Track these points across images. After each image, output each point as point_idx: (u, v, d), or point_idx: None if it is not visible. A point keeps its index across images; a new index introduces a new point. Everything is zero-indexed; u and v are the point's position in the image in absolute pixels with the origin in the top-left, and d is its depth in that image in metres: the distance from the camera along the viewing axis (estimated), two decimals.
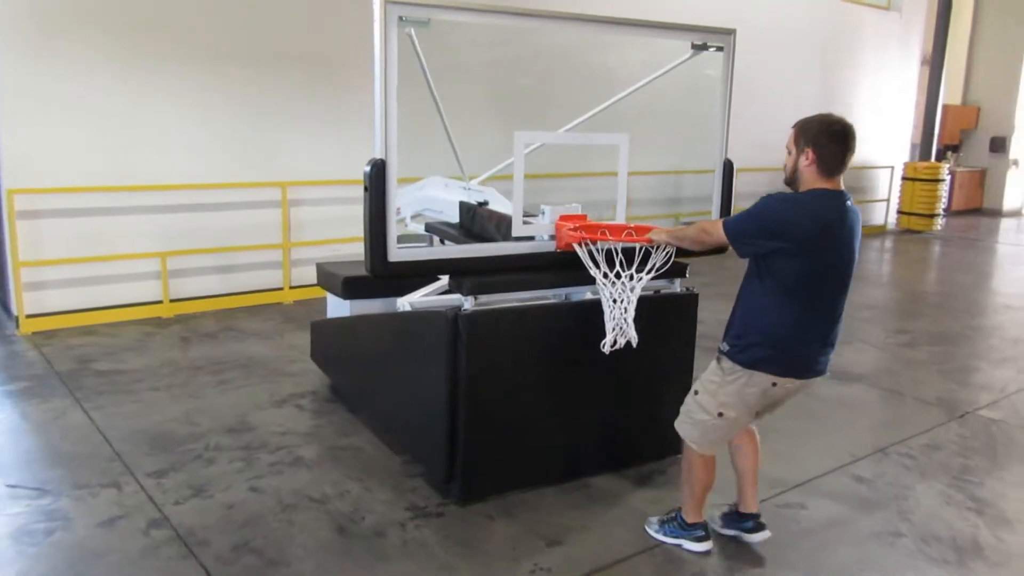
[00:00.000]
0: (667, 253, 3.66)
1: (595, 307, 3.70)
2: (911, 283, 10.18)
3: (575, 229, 3.72)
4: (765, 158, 11.39)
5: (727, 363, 3.25)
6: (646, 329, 3.72)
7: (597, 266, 3.62)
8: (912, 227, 13.95)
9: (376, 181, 3.41)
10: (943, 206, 14.17)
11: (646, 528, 3.62)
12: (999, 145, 17.12)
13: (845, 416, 5.19)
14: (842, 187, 3.13)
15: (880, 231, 14.21)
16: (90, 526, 3.56)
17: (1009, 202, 17.42)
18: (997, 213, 17.23)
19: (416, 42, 4.39)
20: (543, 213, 3.90)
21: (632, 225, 3.75)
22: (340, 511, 3.75)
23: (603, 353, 3.61)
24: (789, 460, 4.36)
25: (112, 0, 6.65)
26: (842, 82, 13.12)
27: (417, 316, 4.18)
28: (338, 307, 5.20)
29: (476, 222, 4.67)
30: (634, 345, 3.62)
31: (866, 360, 6.42)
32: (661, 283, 4.07)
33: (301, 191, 7.79)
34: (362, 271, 4.79)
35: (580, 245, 3.66)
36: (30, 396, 5.14)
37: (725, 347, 3.27)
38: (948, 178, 14.40)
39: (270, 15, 7.46)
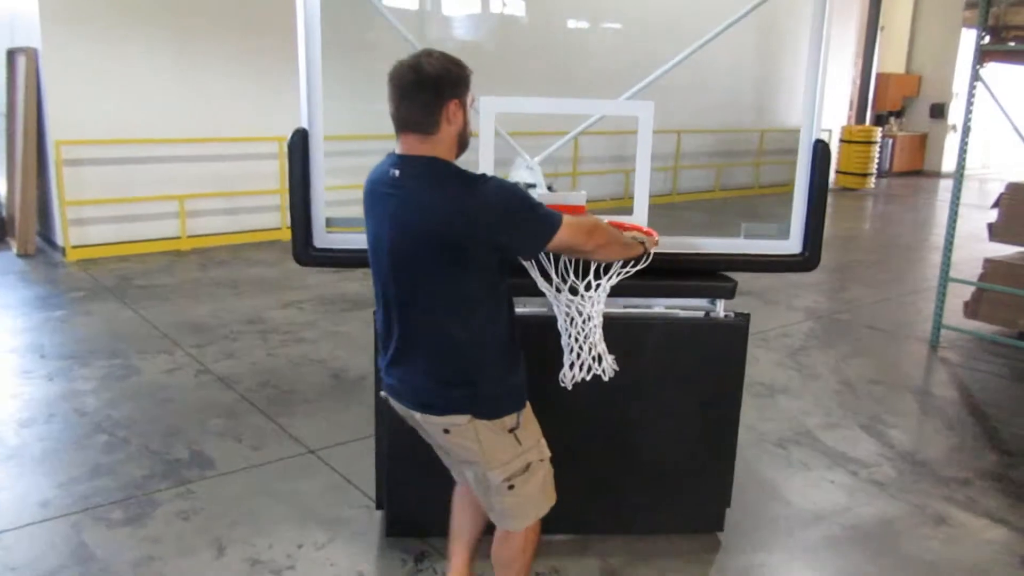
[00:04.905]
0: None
1: (611, 325, 2.71)
2: (829, 229, 11.64)
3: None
4: (706, 120, 12.83)
5: None
6: (671, 367, 3.06)
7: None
8: (847, 185, 15.43)
9: (298, 153, 2.84)
10: (879, 167, 15.67)
11: None
12: (939, 111, 18.57)
13: None
14: (421, 152, 2.16)
15: None
16: (155, 373, 5.01)
17: (947, 165, 18.89)
18: (936, 175, 18.72)
19: None
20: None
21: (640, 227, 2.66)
22: (334, 366, 5.21)
23: (607, 386, 2.64)
24: None
25: None
26: (782, 49, 14.41)
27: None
28: None
29: None
30: (605, 377, 2.61)
31: (761, 282, 7.87)
32: (702, 303, 3.16)
33: None
34: None
35: None
36: (89, 300, 6.55)
37: None
38: (882, 141, 15.89)
39: None
